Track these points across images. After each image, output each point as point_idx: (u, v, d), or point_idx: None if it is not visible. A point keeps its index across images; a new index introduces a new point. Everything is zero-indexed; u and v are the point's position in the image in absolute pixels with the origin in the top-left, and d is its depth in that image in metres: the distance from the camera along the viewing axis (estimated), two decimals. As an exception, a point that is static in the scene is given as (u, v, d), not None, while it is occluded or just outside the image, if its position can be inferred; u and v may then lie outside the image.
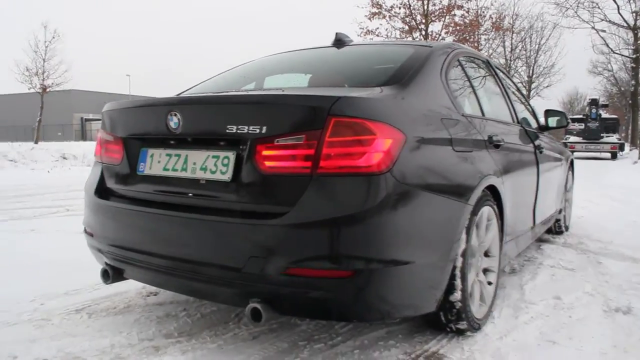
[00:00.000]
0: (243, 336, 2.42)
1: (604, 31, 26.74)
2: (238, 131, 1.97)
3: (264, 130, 1.93)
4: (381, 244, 1.86)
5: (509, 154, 2.99)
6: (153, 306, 2.82)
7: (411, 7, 23.43)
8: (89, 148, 16.81)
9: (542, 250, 4.29)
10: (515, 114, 3.59)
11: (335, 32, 3.17)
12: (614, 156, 21.52)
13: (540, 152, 3.73)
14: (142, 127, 2.34)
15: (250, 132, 1.95)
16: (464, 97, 2.78)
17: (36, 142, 23.96)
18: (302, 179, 1.88)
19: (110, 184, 2.47)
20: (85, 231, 2.56)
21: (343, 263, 1.82)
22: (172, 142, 2.25)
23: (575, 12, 23.80)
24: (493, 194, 2.61)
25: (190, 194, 2.14)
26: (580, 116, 24.10)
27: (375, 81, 2.32)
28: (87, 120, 46.07)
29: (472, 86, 2.96)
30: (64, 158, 15.98)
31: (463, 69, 2.93)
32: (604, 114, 23.97)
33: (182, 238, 2.08)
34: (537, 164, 3.59)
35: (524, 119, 3.83)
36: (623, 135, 23.85)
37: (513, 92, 3.84)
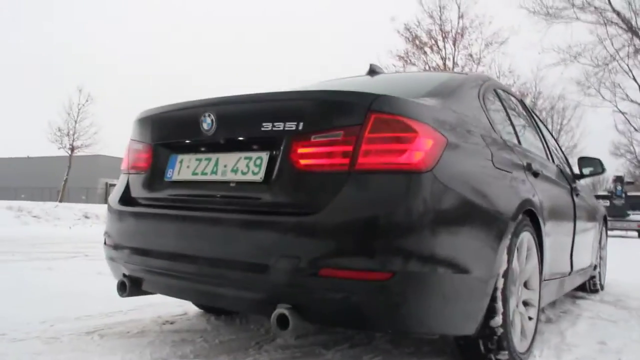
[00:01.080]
0: (263, 361, 2.24)
1: (625, 113, 26.85)
2: (274, 128, 1.90)
3: (300, 127, 1.85)
4: (422, 246, 1.72)
5: (548, 186, 2.86)
6: (168, 332, 2.66)
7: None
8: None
9: (578, 305, 4.03)
10: (551, 154, 3.48)
11: (369, 64, 3.16)
12: (640, 235, 20.94)
13: (577, 195, 3.59)
14: (173, 133, 2.29)
15: (286, 129, 1.87)
16: (501, 124, 2.69)
17: (60, 201, 24.25)
18: (339, 177, 1.78)
19: (136, 193, 2.39)
20: (105, 243, 2.46)
21: (380, 264, 1.68)
22: (202, 148, 2.18)
23: (598, 90, 24.00)
24: (532, 223, 2.47)
25: (218, 197, 2.05)
26: (605, 193, 23.74)
27: (415, 94, 2.25)
28: (111, 185, 46.82)
29: (508, 116, 2.88)
30: (86, 217, 16.08)
31: (500, 99, 2.88)
32: (630, 192, 23.58)
33: (208, 240, 1.97)
34: (574, 205, 3.44)
35: (558, 165, 3.72)
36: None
37: (547, 134, 3.75)
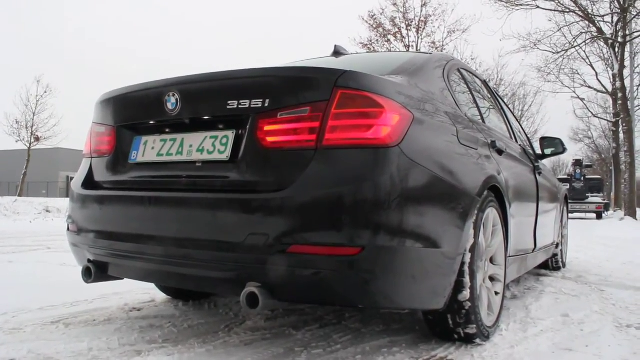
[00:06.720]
0: (234, 343, 2.22)
1: (583, 99, 27.50)
2: (239, 106, 1.87)
3: (266, 104, 1.84)
4: (390, 219, 1.73)
5: (511, 164, 2.92)
6: (136, 319, 2.61)
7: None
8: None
9: (541, 282, 4.14)
10: (514, 133, 3.54)
11: (334, 45, 3.14)
12: (599, 216, 21.52)
13: (540, 174, 3.67)
14: (137, 114, 2.23)
15: (252, 106, 1.85)
16: (466, 103, 2.72)
17: (19, 196, 23.55)
18: (306, 153, 1.77)
19: (99, 177, 2.33)
20: (68, 229, 2.40)
21: (349, 239, 1.68)
22: (167, 129, 2.14)
23: (557, 77, 24.46)
24: (497, 200, 2.51)
25: (184, 177, 2.01)
26: (565, 176, 24.39)
27: (380, 72, 2.24)
28: (72, 178, 45.65)
29: (472, 95, 2.92)
30: (47, 211, 15.64)
31: (464, 78, 2.91)
32: (588, 175, 24.30)
33: (175, 221, 1.93)
34: (537, 184, 3.52)
35: (521, 145, 3.79)
36: (605, 198, 24.00)
37: (510, 115, 3.81)
